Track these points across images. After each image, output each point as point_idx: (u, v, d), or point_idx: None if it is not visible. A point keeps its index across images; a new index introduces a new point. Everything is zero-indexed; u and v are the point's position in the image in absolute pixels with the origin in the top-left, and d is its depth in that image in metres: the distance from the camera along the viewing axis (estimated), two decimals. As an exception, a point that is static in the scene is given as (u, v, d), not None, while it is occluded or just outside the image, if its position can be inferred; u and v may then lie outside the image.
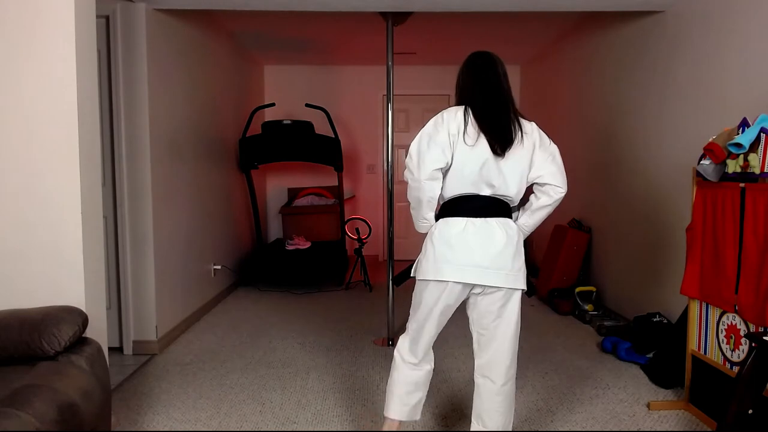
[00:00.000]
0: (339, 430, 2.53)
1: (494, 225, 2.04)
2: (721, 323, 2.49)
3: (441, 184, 2.05)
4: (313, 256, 5.41)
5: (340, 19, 4.64)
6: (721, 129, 2.55)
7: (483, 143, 1.99)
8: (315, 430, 2.53)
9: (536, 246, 6.23)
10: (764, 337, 1.99)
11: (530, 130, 2.08)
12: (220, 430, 2.52)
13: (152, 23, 3.54)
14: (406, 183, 2.11)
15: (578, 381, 3.05)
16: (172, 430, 2.53)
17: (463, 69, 2.15)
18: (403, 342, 2.21)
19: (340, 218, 5.91)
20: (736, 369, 2.38)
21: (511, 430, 2.20)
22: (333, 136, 5.60)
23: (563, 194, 2.12)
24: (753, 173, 2.27)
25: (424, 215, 2.12)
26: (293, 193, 6.71)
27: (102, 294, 2.53)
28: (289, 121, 5.52)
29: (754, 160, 2.25)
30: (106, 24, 3.38)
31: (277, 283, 5.45)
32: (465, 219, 2.04)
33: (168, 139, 3.79)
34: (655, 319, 3.38)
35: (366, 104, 6.86)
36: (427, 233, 2.15)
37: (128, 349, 3.54)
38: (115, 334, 3.53)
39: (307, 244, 5.65)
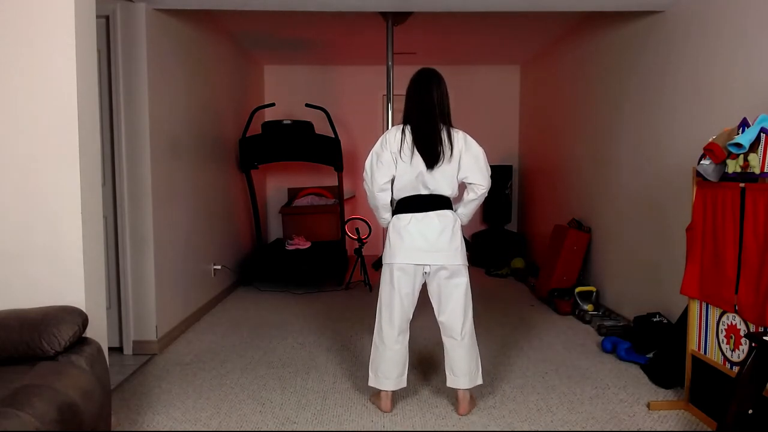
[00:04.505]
0: (339, 430, 2.54)
1: (433, 217, 2.57)
2: (721, 323, 2.49)
3: (390, 193, 2.62)
4: (313, 256, 5.41)
5: (340, 19, 4.64)
6: (721, 129, 2.55)
7: (417, 159, 2.51)
8: (315, 430, 2.53)
9: (536, 246, 6.24)
10: (764, 337, 1.99)
11: (457, 139, 2.55)
12: (220, 430, 2.52)
13: (152, 23, 3.54)
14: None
15: (578, 381, 3.05)
16: (172, 430, 2.53)
17: (408, 88, 2.63)
18: (378, 324, 2.67)
19: (340, 218, 5.91)
20: (736, 369, 2.38)
21: (478, 376, 2.69)
22: (333, 136, 5.61)
23: (485, 191, 2.62)
24: (753, 173, 2.27)
25: (381, 215, 2.70)
26: (293, 193, 6.71)
27: (102, 294, 2.53)
28: (289, 121, 5.52)
29: (754, 160, 2.25)
30: (106, 24, 3.38)
31: (277, 283, 5.45)
32: (410, 215, 2.58)
33: (168, 139, 3.80)
34: (655, 319, 3.38)
35: (366, 104, 6.86)
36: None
37: (128, 349, 3.54)
38: (115, 334, 3.53)
39: (307, 244, 5.65)
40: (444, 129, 2.54)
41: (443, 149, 2.51)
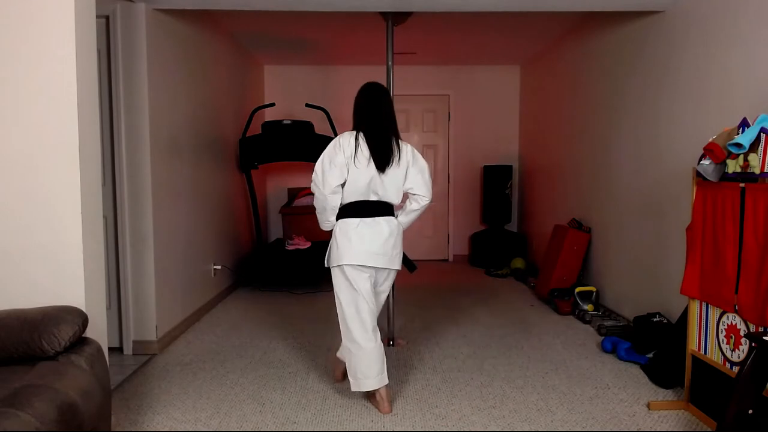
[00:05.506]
0: (339, 430, 2.54)
1: (381, 221, 2.69)
2: (721, 323, 2.50)
3: (341, 196, 2.67)
4: (313, 256, 5.41)
5: (340, 19, 4.64)
6: (721, 129, 2.55)
7: (370, 164, 2.61)
8: (315, 430, 2.53)
9: (536, 246, 6.24)
10: (764, 337, 1.99)
11: (406, 151, 2.72)
12: (220, 430, 2.52)
13: (152, 23, 3.54)
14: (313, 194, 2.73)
15: (578, 381, 3.05)
16: (172, 430, 2.53)
17: (359, 99, 2.75)
18: (345, 329, 2.71)
19: (340, 218, 5.90)
20: (736, 369, 2.38)
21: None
22: (333, 136, 5.60)
23: (427, 202, 2.76)
24: (753, 173, 2.27)
25: (327, 218, 2.75)
26: (293, 193, 6.71)
27: (102, 294, 2.53)
28: (289, 121, 5.52)
29: (754, 160, 2.25)
30: (106, 24, 3.38)
31: (277, 283, 5.45)
32: (359, 219, 2.67)
33: (168, 139, 3.80)
34: (655, 319, 3.38)
35: (366, 104, 6.85)
36: (332, 231, 2.77)
37: (128, 349, 3.54)
38: (115, 334, 3.54)
39: (307, 244, 5.65)
40: (393, 138, 2.69)
41: (393, 153, 2.66)
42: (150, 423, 2.58)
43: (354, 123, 2.73)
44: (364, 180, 2.63)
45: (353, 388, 2.71)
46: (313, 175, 2.70)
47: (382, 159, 2.63)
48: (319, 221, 2.80)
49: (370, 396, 2.80)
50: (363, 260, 2.65)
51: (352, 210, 2.68)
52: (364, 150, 2.62)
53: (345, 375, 2.96)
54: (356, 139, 2.64)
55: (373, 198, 2.68)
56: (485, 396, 2.86)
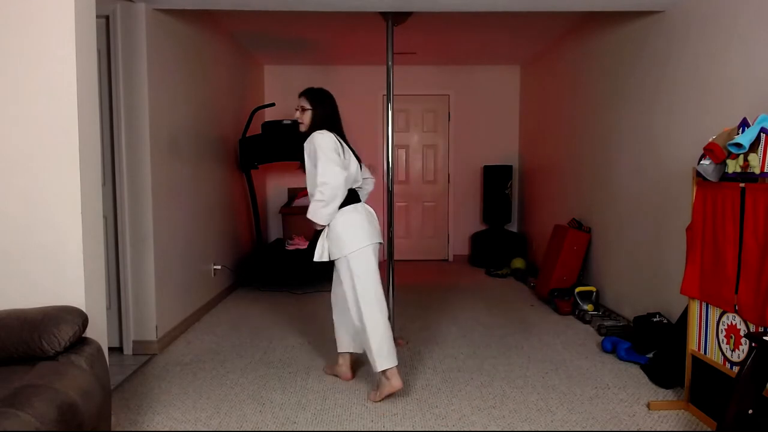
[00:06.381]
0: (339, 430, 2.54)
1: (366, 205, 3.00)
2: (721, 323, 2.50)
3: None
4: (313, 256, 5.40)
5: (340, 19, 4.64)
6: (721, 129, 2.55)
7: (351, 158, 2.92)
8: (315, 430, 2.53)
9: (536, 246, 6.24)
10: (764, 337, 1.99)
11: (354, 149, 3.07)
12: (220, 430, 2.52)
13: (152, 23, 3.54)
14: (327, 192, 2.80)
15: (578, 381, 3.05)
16: (172, 430, 2.53)
17: (326, 103, 2.96)
18: (378, 305, 2.84)
19: (340, 218, 5.90)
20: (736, 369, 2.38)
21: None
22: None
23: (373, 181, 3.18)
24: (753, 173, 2.27)
25: (335, 207, 2.84)
26: (293, 193, 6.71)
27: (102, 294, 2.53)
28: (289, 121, 5.52)
29: (754, 160, 2.25)
30: (106, 24, 3.38)
31: (277, 283, 5.45)
32: (352, 205, 2.91)
33: (168, 139, 3.80)
34: (655, 319, 3.38)
35: (366, 104, 6.86)
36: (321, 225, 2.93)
37: (128, 349, 3.54)
38: (115, 334, 3.54)
39: (307, 244, 5.65)
40: None
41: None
42: (150, 423, 2.58)
43: (321, 124, 2.90)
44: (354, 169, 2.93)
45: (383, 367, 2.77)
46: (325, 167, 2.74)
47: (357, 158, 2.98)
48: (323, 215, 2.81)
49: (381, 384, 2.80)
50: (376, 238, 2.92)
51: (350, 198, 2.90)
52: (343, 144, 2.92)
53: (353, 371, 3.07)
54: (335, 137, 2.89)
55: (356, 186, 2.98)
56: (485, 396, 2.86)
